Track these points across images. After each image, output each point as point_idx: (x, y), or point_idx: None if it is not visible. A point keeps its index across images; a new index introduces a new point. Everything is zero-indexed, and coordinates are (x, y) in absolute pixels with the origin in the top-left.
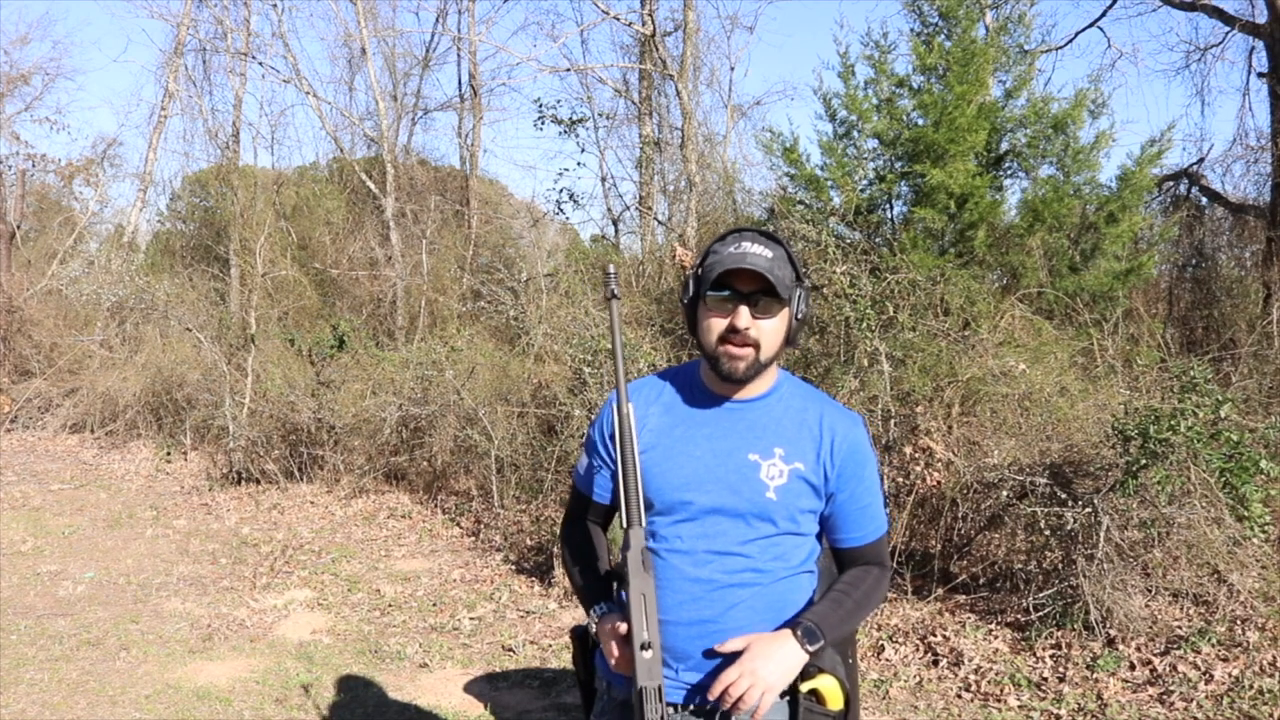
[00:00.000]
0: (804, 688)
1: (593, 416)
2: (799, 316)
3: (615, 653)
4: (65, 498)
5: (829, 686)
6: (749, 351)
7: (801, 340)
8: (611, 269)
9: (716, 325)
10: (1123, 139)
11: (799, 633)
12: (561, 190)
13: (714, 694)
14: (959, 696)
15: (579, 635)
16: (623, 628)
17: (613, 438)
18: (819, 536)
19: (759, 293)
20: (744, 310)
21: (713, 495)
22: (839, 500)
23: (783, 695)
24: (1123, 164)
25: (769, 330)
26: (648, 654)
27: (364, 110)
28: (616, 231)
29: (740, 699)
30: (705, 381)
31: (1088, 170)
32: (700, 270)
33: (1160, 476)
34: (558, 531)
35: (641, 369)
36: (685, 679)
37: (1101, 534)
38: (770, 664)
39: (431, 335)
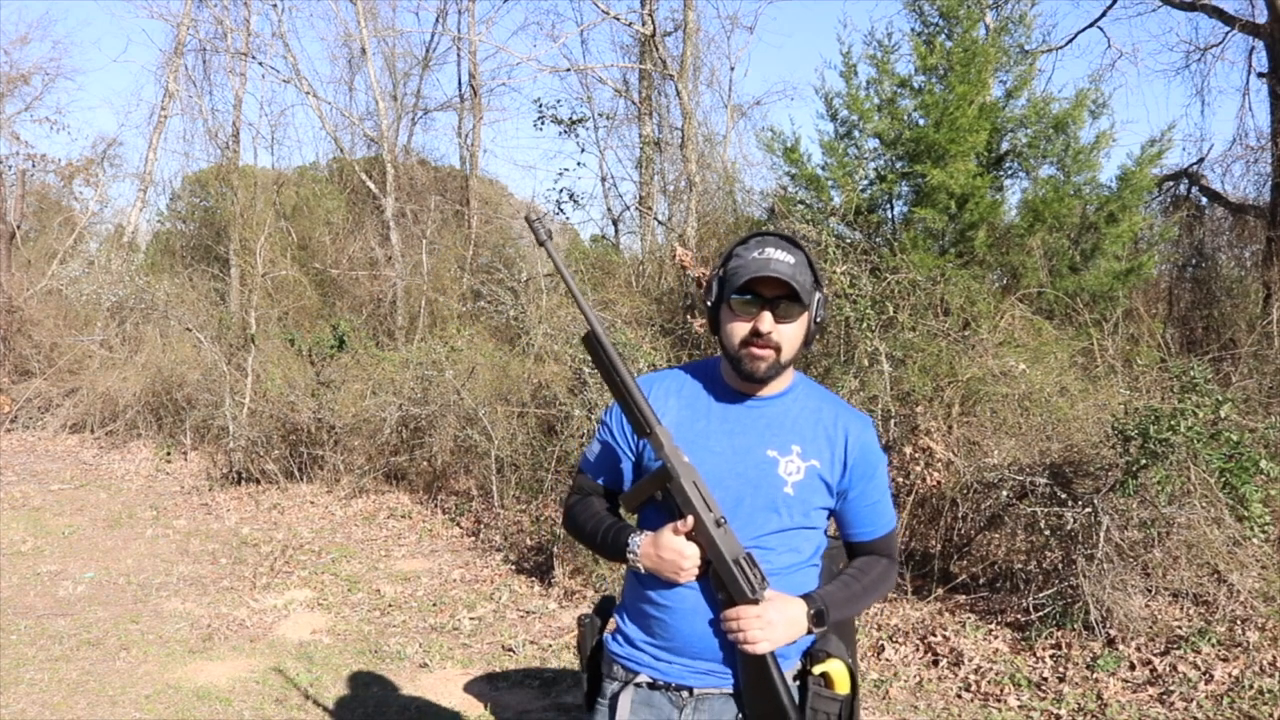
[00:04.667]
0: (815, 670)
1: (593, 416)
2: (818, 320)
3: (684, 555)
4: (65, 498)
5: (838, 670)
6: (770, 353)
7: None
8: (534, 217)
9: (740, 328)
10: (1123, 139)
11: (811, 610)
12: (561, 190)
13: (726, 621)
14: (959, 696)
15: (585, 622)
16: (684, 524)
17: (624, 425)
18: (825, 532)
19: (781, 298)
20: (767, 315)
21: (732, 489)
22: (851, 497)
23: (794, 678)
24: (1123, 164)
25: (790, 334)
26: (722, 530)
27: (364, 110)
28: (616, 231)
29: (743, 633)
30: (725, 379)
31: (1088, 170)
32: (723, 273)
33: (1160, 476)
34: (561, 515)
35: (641, 368)
36: (697, 666)
37: (1101, 534)
38: (782, 619)
39: (431, 335)
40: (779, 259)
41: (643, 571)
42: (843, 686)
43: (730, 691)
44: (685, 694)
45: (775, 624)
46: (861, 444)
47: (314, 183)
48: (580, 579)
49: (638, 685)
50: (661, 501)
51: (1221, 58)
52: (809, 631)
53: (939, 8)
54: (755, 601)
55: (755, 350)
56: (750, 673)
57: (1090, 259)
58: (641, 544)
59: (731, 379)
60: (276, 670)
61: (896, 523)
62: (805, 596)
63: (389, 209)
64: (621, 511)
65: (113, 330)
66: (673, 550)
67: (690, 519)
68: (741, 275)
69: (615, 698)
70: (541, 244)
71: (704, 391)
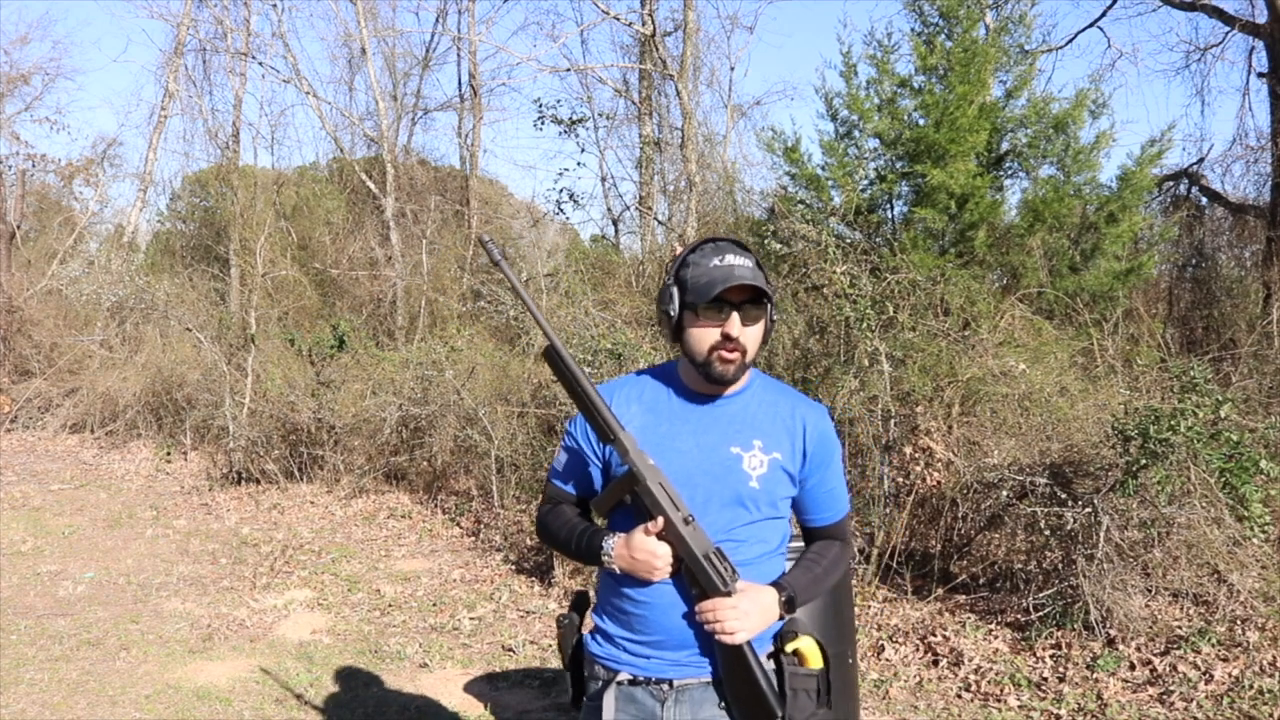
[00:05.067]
0: (787, 649)
1: None
2: (773, 319)
3: (656, 555)
4: (65, 498)
5: (809, 647)
6: (738, 356)
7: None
8: (486, 237)
9: (709, 335)
10: (1123, 139)
11: (783, 597)
12: (561, 190)
13: (701, 614)
14: (959, 696)
15: (564, 623)
16: (654, 525)
17: (589, 433)
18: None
19: (746, 302)
20: (736, 319)
21: (700, 487)
22: (810, 485)
23: (768, 658)
24: (1123, 164)
25: (753, 335)
26: (690, 527)
27: (364, 110)
28: (616, 231)
29: (720, 624)
30: (685, 381)
31: (1088, 170)
32: (679, 280)
33: (1160, 476)
34: (534, 526)
35: (640, 368)
36: (673, 658)
37: (1101, 534)
38: (756, 609)
39: (431, 335)
40: (741, 264)
41: (618, 572)
42: (815, 661)
43: (709, 680)
44: (665, 687)
45: (750, 614)
46: (819, 432)
47: (314, 183)
48: (580, 579)
49: (619, 683)
50: (631, 504)
51: (1221, 58)
52: (781, 617)
53: (939, 8)
54: (728, 594)
55: (725, 354)
56: (728, 662)
57: (1090, 259)
58: (615, 546)
59: (692, 381)
60: (276, 670)
61: (850, 507)
62: (774, 584)
63: (389, 209)
64: (594, 516)
65: (113, 330)
66: (645, 551)
67: (660, 519)
68: (707, 283)
69: (599, 697)
70: (496, 264)
71: (664, 395)
